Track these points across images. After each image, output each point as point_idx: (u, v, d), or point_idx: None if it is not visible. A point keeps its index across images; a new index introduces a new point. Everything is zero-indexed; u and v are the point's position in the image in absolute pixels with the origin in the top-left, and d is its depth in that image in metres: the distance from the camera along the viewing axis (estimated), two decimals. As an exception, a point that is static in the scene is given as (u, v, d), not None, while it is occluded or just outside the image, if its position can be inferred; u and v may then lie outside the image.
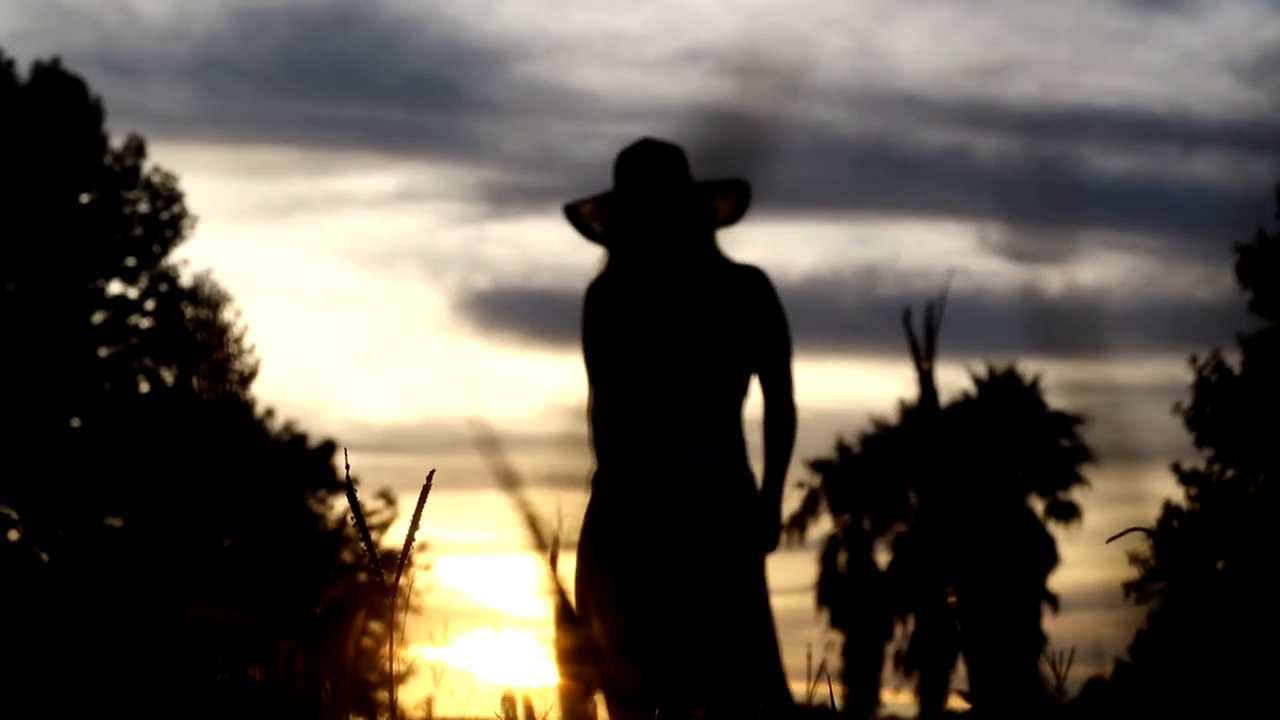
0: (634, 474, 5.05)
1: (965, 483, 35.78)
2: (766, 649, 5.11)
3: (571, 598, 5.11)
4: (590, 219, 5.40)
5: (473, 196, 49.61)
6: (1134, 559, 26.86)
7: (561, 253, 48.38)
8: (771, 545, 5.13)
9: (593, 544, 5.11)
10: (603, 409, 5.13)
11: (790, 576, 40.51)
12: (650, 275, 5.18)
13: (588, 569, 5.11)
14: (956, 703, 36.01)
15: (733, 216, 5.24)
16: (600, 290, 5.30)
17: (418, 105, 47.33)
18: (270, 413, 33.74)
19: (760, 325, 5.17)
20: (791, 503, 39.25)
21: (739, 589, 5.04)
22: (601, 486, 5.14)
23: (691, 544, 4.99)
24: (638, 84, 48.54)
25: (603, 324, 5.18)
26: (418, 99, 47.03)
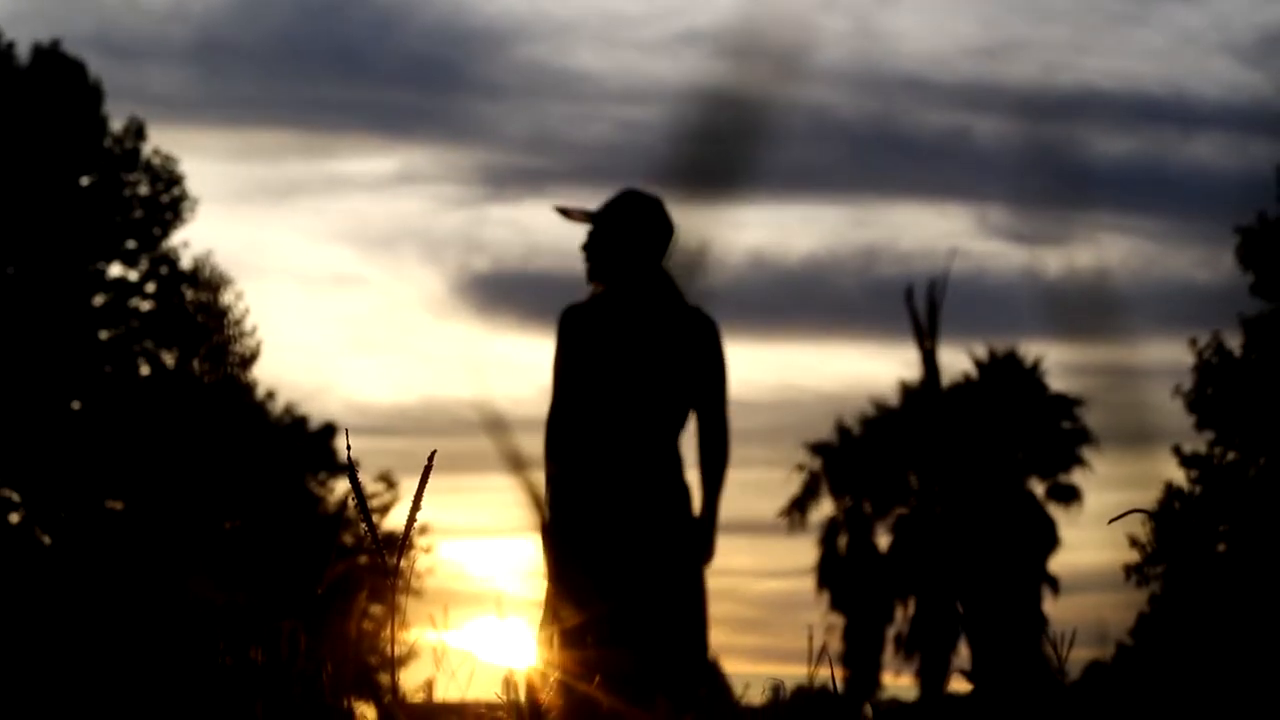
0: (588, 482, 5.83)
1: (966, 465, 35.79)
2: (697, 633, 5.91)
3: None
4: (577, 220, 6.13)
5: (472, 178, 49.63)
6: (1134, 541, 26.88)
7: (560, 235, 48.33)
8: (706, 558, 5.98)
9: (555, 540, 5.76)
10: (562, 420, 5.89)
11: (791, 559, 40.61)
12: (620, 314, 5.93)
13: (553, 562, 5.79)
14: (958, 685, 36.06)
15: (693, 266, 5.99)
16: (575, 316, 6.02)
17: (417, 87, 47.33)
18: (271, 395, 33.76)
19: (704, 367, 5.97)
20: (792, 485, 39.29)
21: (674, 585, 5.90)
22: (559, 490, 5.86)
23: (635, 544, 5.83)
24: (636, 66, 48.54)
25: (574, 346, 5.92)
26: (417, 81, 47.04)
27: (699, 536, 5.96)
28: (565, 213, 6.18)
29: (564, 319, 6.02)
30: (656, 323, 5.92)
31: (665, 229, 6.10)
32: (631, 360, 5.87)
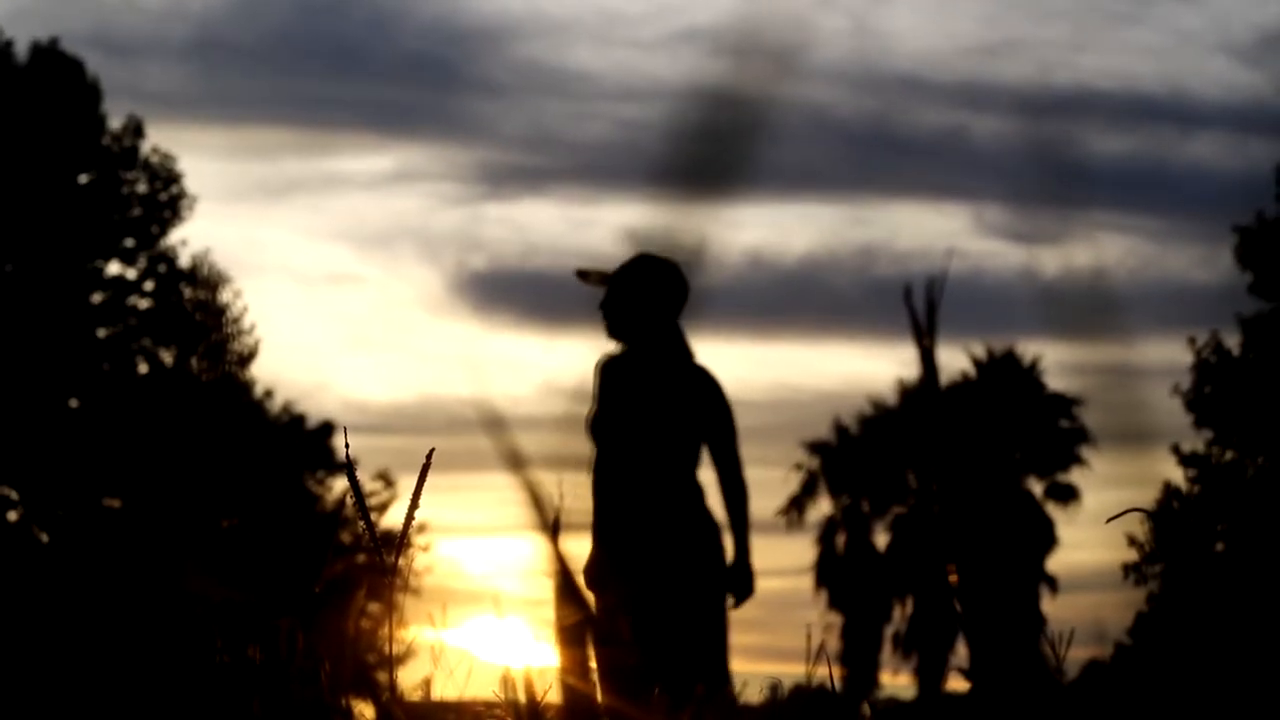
0: (625, 517, 6.45)
1: (964, 464, 35.81)
2: (719, 646, 6.51)
3: (577, 576, 5.80)
4: (595, 283, 6.63)
5: (469, 177, 49.66)
6: (1133, 541, 26.89)
7: (558, 234, 48.41)
8: (748, 592, 6.53)
9: (598, 578, 6.41)
10: (600, 466, 6.50)
11: (789, 558, 40.59)
12: (640, 369, 6.56)
13: (600, 596, 6.40)
14: (955, 683, 36.08)
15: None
16: (609, 368, 6.59)
17: (414, 86, 47.33)
18: (269, 393, 33.76)
19: (713, 419, 6.54)
20: (790, 484, 39.32)
21: (702, 603, 6.48)
22: (601, 530, 6.48)
23: (668, 570, 6.42)
24: (634, 64, 48.57)
25: (607, 397, 6.54)
26: (414, 79, 47.04)
27: (739, 576, 6.51)
28: (584, 275, 6.67)
29: (601, 371, 6.62)
30: (670, 376, 6.53)
31: (680, 291, 6.60)
32: (651, 408, 6.50)
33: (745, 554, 6.55)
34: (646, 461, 6.51)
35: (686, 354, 6.63)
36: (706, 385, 6.56)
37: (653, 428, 6.51)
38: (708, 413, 6.54)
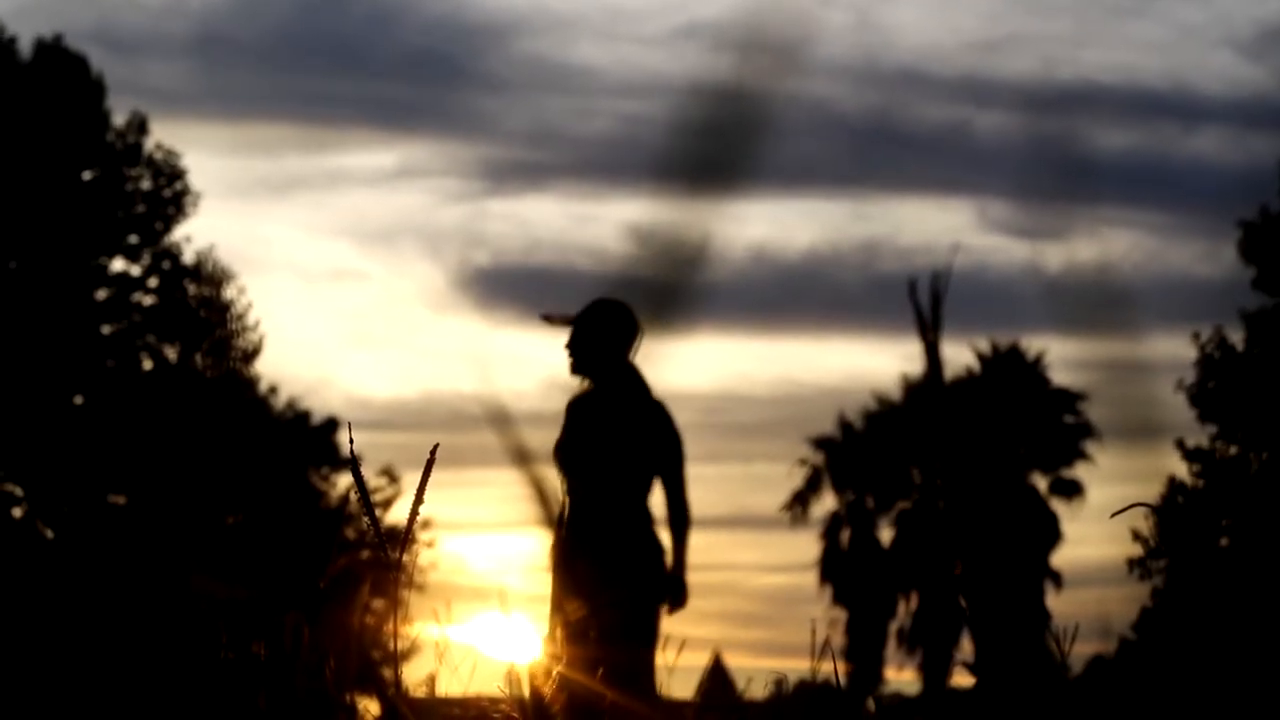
0: (581, 535, 7.16)
1: (968, 460, 35.79)
2: (646, 658, 7.15)
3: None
4: (558, 325, 7.33)
5: (472, 173, 49.67)
6: (1137, 536, 26.86)
7: (561, 229, 48.40)
8: (681, 601, 7.22)
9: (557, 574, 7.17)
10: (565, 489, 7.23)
11: (793, 554, 40.59)
12: (601, 404, 7.27)
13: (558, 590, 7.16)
14: (961, 679, 36.06)
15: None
16: (574, 404, 7.31)
17: (417, 81, 47.34)
18: (274, 390, 33.75)
19: (665, 448, 7.26)
20: (794, 480, 39.26)
21: (634, 615, 7.16)
22: (563, 545, 7.15)
23: (611, 581, 7.12)
24: (637, 60, 48.59)
25: (570, 429, 7.27)
26: (417, 75, 47.04)
27: (674, 584, 7.24)
28: (548, 319, 7.41)
29: (568, 409, 7.33)
30: (628, 411, 7.26)
31: (631, 331, 7.33)
32: (608, 440, 7.24)
33: (681, 567, 7.27)
34: (602, 488, 7.24)
35: (644, 391, 7.33)
36: (661, 420, 7.31)
37: (608, 458, 7.25)
38: (661, 444, 7.29)
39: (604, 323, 7.29)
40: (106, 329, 31.57)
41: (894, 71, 46.32)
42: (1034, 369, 38.81)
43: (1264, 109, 42.86)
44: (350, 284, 48.40)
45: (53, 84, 31.42)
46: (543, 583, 7.27)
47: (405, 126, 49.96)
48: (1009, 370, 38.60)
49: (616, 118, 47.31)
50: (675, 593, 7.26)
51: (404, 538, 2.74)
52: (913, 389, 38.42)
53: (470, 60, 48.44)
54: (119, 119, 32.20)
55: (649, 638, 7.23)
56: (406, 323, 48.61)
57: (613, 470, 7.25)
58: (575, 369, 7.33)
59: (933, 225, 45.93)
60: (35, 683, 22.20)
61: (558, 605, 7.14)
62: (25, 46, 31.79)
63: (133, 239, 31.99)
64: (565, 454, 7.28)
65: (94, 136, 31.76)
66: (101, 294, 31.70)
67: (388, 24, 47.23)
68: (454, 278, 45.87)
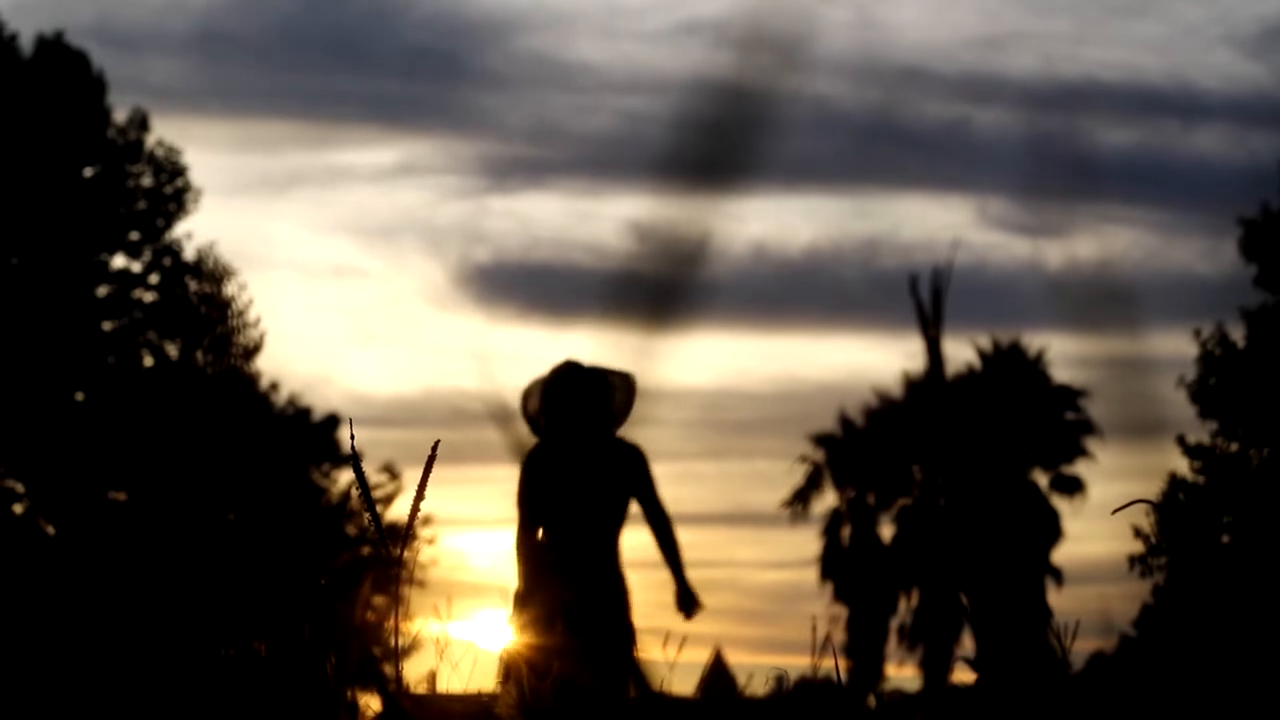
0: (559, 572, 7.67)
1: (969, 456, 35.79)
2: (628, 660, 7.67)
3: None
4: (530, 398, 7.90)
5: (473, 170, 49.63)
6: (1138, 532, 26.86)
7: (562, 226, 48.43)
8: (693, 606, 7.78)
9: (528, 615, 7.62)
10: (528, 535, 7.68)
11: (793, 550, 40.60)
12: (573, 454, 7.77)
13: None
14: (962, 676, 36.04)
15: (626, 409, 7.88)
16: (535, 458, 7.74)
17: (418, 78, 47.32)
18: (274, 386, 33.74)
19: (639, 480, 7.83)
20: (795, 477, 39.25)
21: (609, 636, 7.68)
22: (529, 588, 7.63)
23: (585, 606, 7.65)
24: (637, 56, 48.58)
25: (537, 481, 7.70)
26: (418, 72, 47.02)
27: (682, 592, 7.81)
28: (526, 398, 7.96)
29: (527, 461, 7.79)
30: (599, 460, 7.81)
31: (602, 392, 7.84)
32: (584, 487, 7.76)
33: (683, 580, 7.83)
34: (595, 531, 7.79)
35: (611, 437, 7.93)
36: (632, 455, 7.88)
37: (583, 504, 7.80)
38: (634, 476, 7.86)
39: (573, 387, 7.86)
40: (107, 325, 31.58)
41: (895, 69, 46.28)
42: (1035, 366, 38.81)
43: (1265, 106, 42.86)
44: (351, 281, 48.40)
45: (54, 80, 31.43)
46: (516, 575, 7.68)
47: (406, 123, 49.96)
48: (1010, 367, 38.60)
49: (617, 115, 47.33)
50: (687, 602, 7.79)
51: (405, 534, 2.75)
52: (914, 386, 38.43)
53: (471, 57, 48.46)
54: (120, 115, 32.23)
55: (628, 653, 7.75)
56: (407, 319, 48.59)
57: (589, 517, 7.81)
58: (549, 431, 7.84)
59: (933, 222, 45.95)
60: (37, 678, 22.21)
61: (541, 602, 7.61)
62: (26, 43, 31.81)
63: (134, 235, 31.99)
64: (538, 505, 7.75)
65: (95, 133, 31.76)
66: (102, 290, 31.70)
67: (387, 21, 47.26)
68: (454, 275, 45.89)
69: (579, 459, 7.83)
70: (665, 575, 7.93)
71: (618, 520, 7.89)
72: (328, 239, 49.92)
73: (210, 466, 30.06)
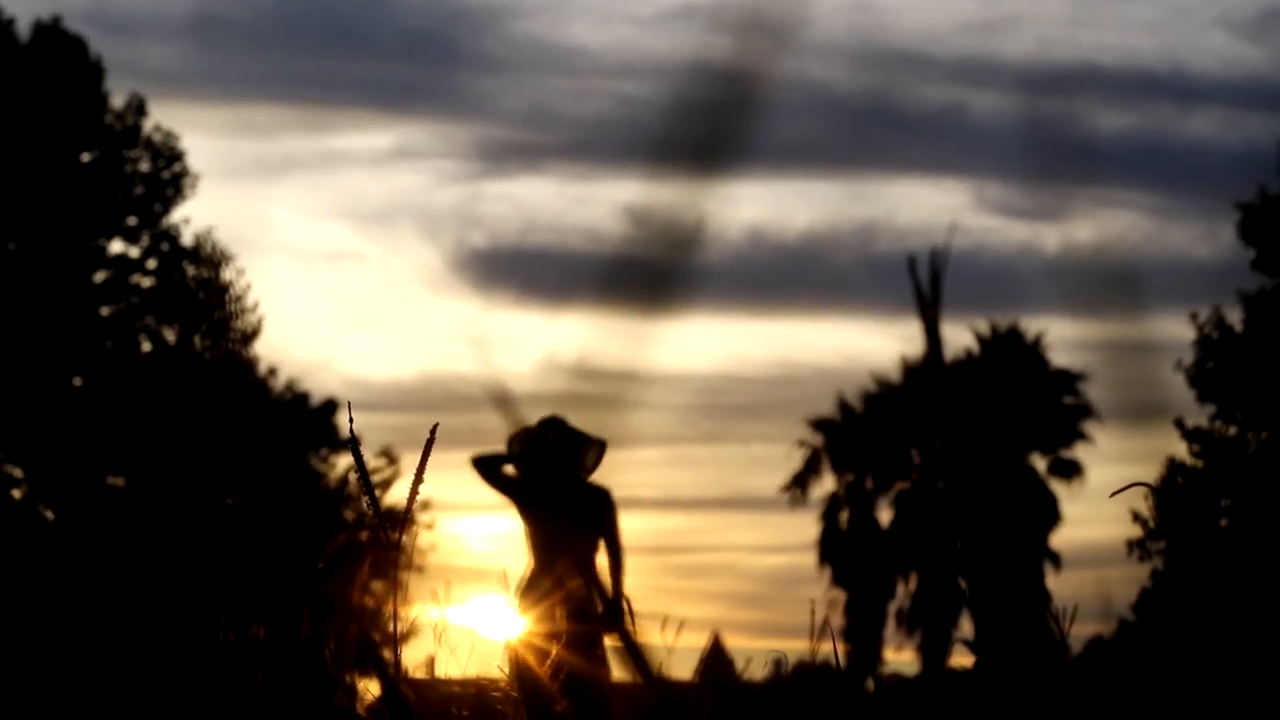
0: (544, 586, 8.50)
1: (968, 440, 35.80)
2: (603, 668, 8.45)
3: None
4: (515, 442, 8.69)
5: (468, 154, 49.61)
6: (1137, 516, 26.88)
7: (557, 210, 48.43)
8: (620, 622, 8.44)
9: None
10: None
11: (792, 535, 40.59)
12: (551, 496, 8.67)
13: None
14: (960, 659, 36.08)
15: (593, 469, 8.77)
16: (522, 486, 8.67)
17: (414, 63, 47.28)
18: (272, 371, 33.74)
19: (604, 518, 8.71)
20: (793, 461, 39.27)
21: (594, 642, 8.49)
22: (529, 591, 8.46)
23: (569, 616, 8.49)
24: (633, 40, 48.55)
25: (523, 505, 8.70)
26: (414, 57, 46.99)
27: (614, 607, 8.54)
28: (513, 439, 8.79)
29: (516, 485, 8.81)
30: (570, 499, 8.71)
31: (575, 443, 8.71)
32: (563, 521, 8.65)
33: (619, 597, 8.59)
34: (565, 549, 8.62)
35: (580, 480, 8.83)
36: (599, 497, 8.78)
37: (568, 533, 8.68)
38: (601, 514, 8.74)
39: (551, 437, 8.78)
40: (105, 311, 31.56)
41: (890, 52, 46.25)
42: (1033, 350, 38.83)
43: (1262, 90, 42.87)
44: (348, 265, 48.38)
45: (51, 66, 31.39)
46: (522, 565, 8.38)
47: (402, 108, 49.90)
48: (1008, 351, 38.62)
49: (613, 98, 47.26)
50: (615, 615, 8.58)
51: (403, 519, 2.75)
52: (911, 370, 38.44)
53: (466, 41, 48.41)
54: (117, 101, 32.18)
55: (603, 660, 8.64)
56: (404, 304, 48.54)
57: (574, 538, 8.72)
58: (532, 475, 8.77)
59: (930, 206, 45.89)
60: (36, 664, 22.23)
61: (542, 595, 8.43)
62: (24, 28, 31.78)
63: (131, 221, 31.97)
64: (531, 530, 8.74)
65: (92, 118, 31.73)
66: (100, 276, 31.68)
67: (383, 5, 47.21)
68: (451, 259, 45.89)
69: (552, 499, 8.84)
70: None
71: (587, 551, 8.80)
72: (324, 223, 49.95)
73: (208, 451, 30.06)
